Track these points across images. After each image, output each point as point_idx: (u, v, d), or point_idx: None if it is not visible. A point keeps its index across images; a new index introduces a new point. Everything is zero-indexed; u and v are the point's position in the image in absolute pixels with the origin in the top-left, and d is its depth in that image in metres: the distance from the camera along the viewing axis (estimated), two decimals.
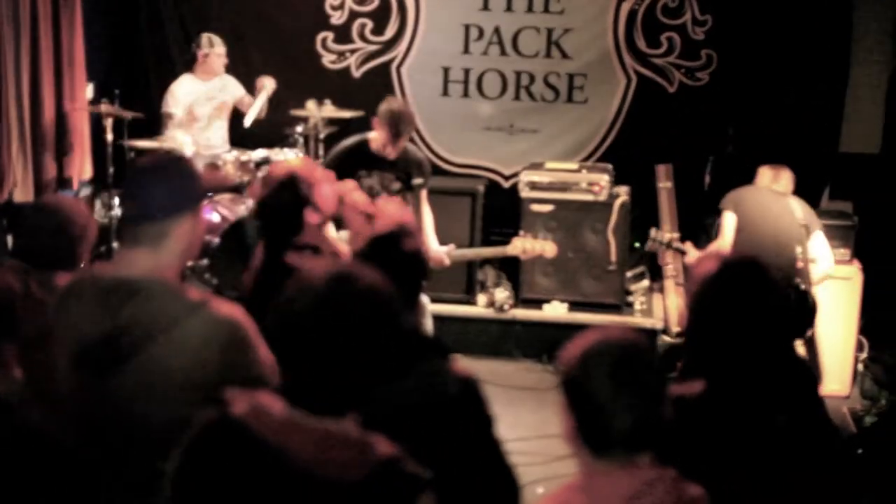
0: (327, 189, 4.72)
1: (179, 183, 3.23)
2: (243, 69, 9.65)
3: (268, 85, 9.11)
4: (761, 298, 3.27)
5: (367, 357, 2.40)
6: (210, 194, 3.37)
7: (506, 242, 7.26)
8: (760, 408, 3.18)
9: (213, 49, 9.12)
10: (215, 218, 8.43)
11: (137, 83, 9.97)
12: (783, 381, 3.25)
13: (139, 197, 3.19)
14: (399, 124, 6.86)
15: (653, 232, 7.53)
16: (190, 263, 8.28)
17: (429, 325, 6.89)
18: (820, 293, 7.53)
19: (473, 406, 3.34)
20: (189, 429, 2.49)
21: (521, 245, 7.08)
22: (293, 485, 2.29)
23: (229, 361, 3.06)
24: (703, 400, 3.18)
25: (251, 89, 9.22)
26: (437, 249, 6.94)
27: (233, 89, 9.35)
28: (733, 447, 3.12)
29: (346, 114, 9.06)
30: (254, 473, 2.31)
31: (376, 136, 6.99)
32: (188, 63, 9.41)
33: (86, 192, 9.47)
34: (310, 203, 4.59)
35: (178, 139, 8.53)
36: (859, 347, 8.17)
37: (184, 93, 9.10)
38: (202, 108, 9.14)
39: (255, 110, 9.03)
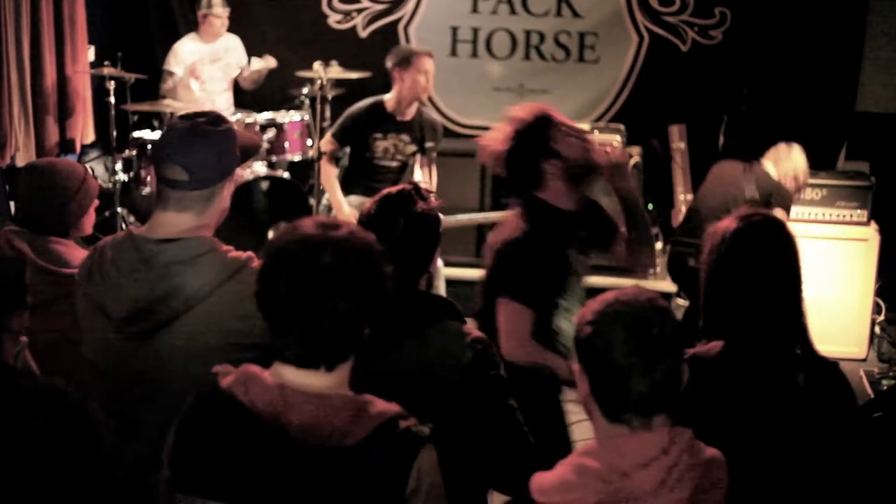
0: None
1: (225, 147, 3.22)
2: (249, 30, 9.55)
3: (269, 61, 9.09)
4: (781, 255, 3.21)
5: (353, 304, 2.33)
6: (245, 159, 3.33)
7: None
8: (781, 367, 3.12)
9: (212, 10, 9.03)
10: None
11: (140, 45, 9.86)
12: (799, 339, 3.18)
13: (188, 164, 3.15)
14: (411, 60, 6.96)
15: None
16: None
17: (442, 288, 6.82)
18: (836, 254, 7.43)
19: (488, 371, 3.28)
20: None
21: None
22: (290, 453, 2.26)
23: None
24: (723, 360, 3.13)
25: (256, 53, 9.14)
26: None
27: (237, 54, 9.26)
28: (754, 407, 3.08)
29: (353, 75, 8.98)
30: (250, 445, 2.28)
31: (391, 97, 6.90)
32: (192, 24, 9.33)
33: (94, 154, 9.40)
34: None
35: (182, 99, 8.45)
36: (876, 310, 8.07)
37: (187, 52, 9.05)
38: (207, 68, 9.07)
39: (248, 72, 9.08)
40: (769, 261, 3.18)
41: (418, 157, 7.23)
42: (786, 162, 6.98)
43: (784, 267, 3.20)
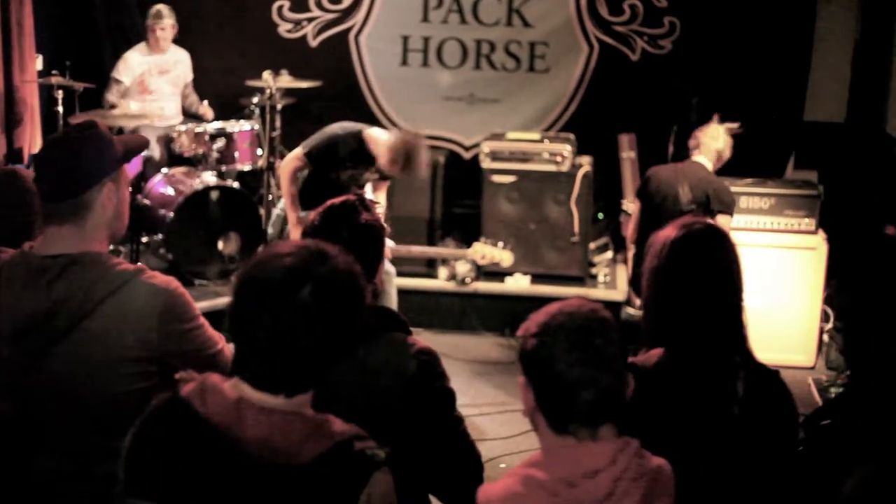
0: None
1: (90, 153, 3.15)
2: (199, 39, 9.49)
3: (207, 114, 9.19)
4: (721, 264, 3.22)
5: (327, 342, 2.33)
6: (125, 160, 3.26)
7: (467, 217, 7.17)
8: (720, 375, 3.13)
9: (159, 21, 9.01)
10: (169, 192, 8.30)
11: (88, 55, 9.77)
12: (739, 348, 3.19)
13: (52, 175, 3.13)
14: (412, 162, 6.61)
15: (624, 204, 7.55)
16: (145, 239, 8.17)
17: (394, 296, 6.79)
18: (784, 263, 7.46)
19: (433, 382, 3.29)
20: (132, 404, 2.50)
21: (481, 250, 6.99)
22: (244, 467, 2.24)
23: (166, 331, 3.06)
24: (661, 368, 3.14)
25: (207, 63, 9.10)
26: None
27: (185, 68, 9.24)
28: (693, 416, 3.08)
29: (303, 84, 8.93)
30: (203, 456, 2.26)
31: (377, 149, 6.68)
32: (141, 35, 9.26)
33: None
34: None
35: (131, 109, 8.40)
36: (824, 318, 8.12)
37: (136, 63, 9.03)
38: (155, 80, 9.04)
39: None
40: (709, 270, 3.18)
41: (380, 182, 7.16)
42: (718, 141, 7.12)
43: (724, 276, 3.20)
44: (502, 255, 6.98)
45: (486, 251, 7.00)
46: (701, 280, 3.17)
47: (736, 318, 3.20)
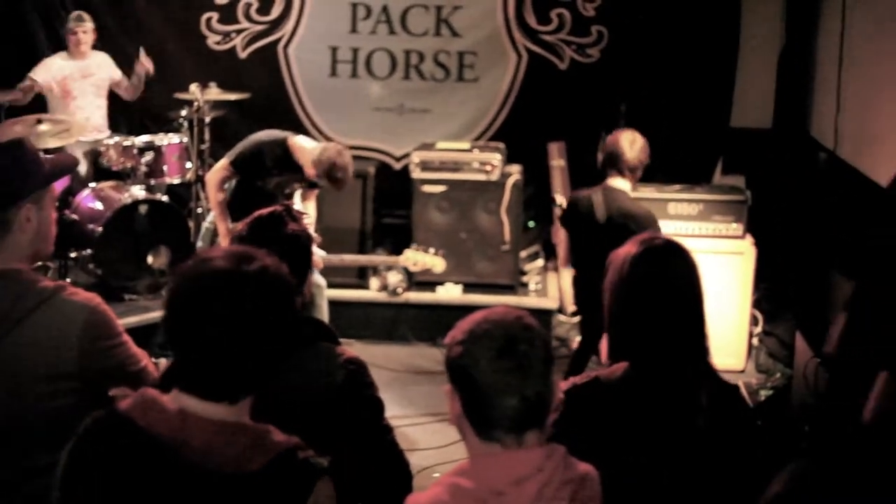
0: None
1: (11, 171, 3.11)
2: (125, 50, 9.40)
3: (147, 66, 8.93)
4: (682, 278, 3.26)
5: (266, 342, 2.35)
6: (52, 179, 3.22)
7: (398, 227, 7.15)
8: (684, 388, 3.16)
9: (81, 24, 8.93)
10: (97, 206, 8.22)
11: (14, 65, 9.61)
12: (702, 360, 3.24)
13: None
14: (339, 184, 6.60)
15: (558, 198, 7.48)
16: (73, 254, 8.08)
17: (325, 307, 6.77)
18: (713, 268, 7.51)
19: (361, 391, 3.32)
20: (55, 422, 2.55)
21: (413, 257, 7.00)
22: (187, 479, 2.26)
23: (87, 349, 3.04)
24: (626, 382, 3.15)
25: (129, 72, 9.01)
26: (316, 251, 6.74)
27: (108, 69, 9.12)
28: (658, 428, 3.10)
29: (232, 96, 8.91)
30: (144, 469, 2.26)
31: (302, 158, 6.63)
32: (63, 44, 9.17)
33: None
34: None
35: (64, 118, 8.31)
36: (753, 322, 8.20)
37: (56, 67, 8.92)
38: (78, 84, 8.93)
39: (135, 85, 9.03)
40: (670, 284, 3.22)
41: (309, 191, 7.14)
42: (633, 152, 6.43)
43: (685, 289, 3.25)
44: (434, 262, 6.98)
45: (418, 258, 7.00)
46: (662, 294, 3.21)
47: (698, 331, 3.25)
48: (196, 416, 2.30)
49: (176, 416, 2.29)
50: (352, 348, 3.49)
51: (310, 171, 6.55)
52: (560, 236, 6.90)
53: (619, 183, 6.47)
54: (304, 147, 6.67)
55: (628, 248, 3.28)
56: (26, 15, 9.93)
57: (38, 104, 8.79)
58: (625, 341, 3.26)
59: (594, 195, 6.47)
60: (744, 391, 7.45)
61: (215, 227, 6.93)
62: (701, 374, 3.20)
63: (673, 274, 3.24)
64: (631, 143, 6.45)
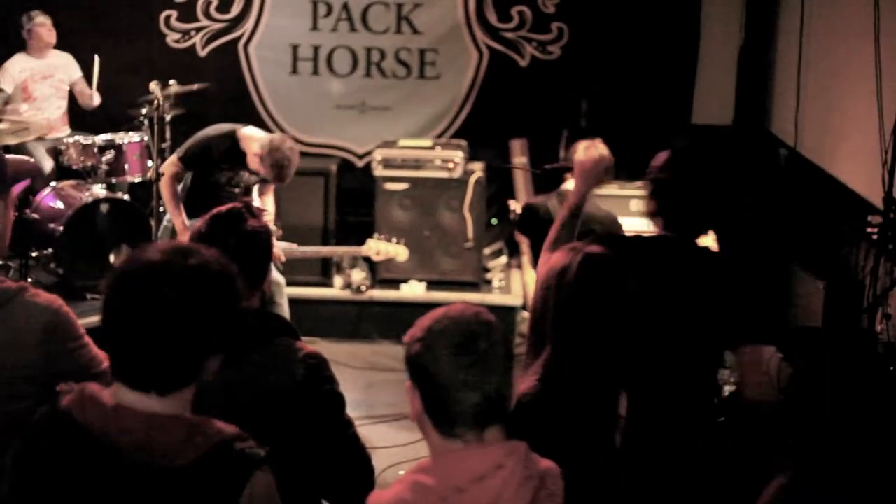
0: None
1: None
2: (84, 48, 9.33)
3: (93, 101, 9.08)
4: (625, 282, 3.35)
5: (195, 335, 2.35)
6: (14, 182, 3.23)
7: (361, 224, 7.13)
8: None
9: (34, 20, 8.93)
10: (58, 205, 8.16)
11: None
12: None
13: None
14: (282, 173, 6.54)
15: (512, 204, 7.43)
16: (34, 254, 8.02)
17: (285, 305, 6.76)
18: None
19: (321, 386, 3.31)
20: (12, 425, 2.55)
21: (375, 247, 7.01)
22: (124, 472, 2.27)
23: (49, 351, 3.03)
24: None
25: (90, 72, 8.96)
26: (277, 244, 6.71)
27: (70, 70, 9.10)
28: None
29: (194, 86, 8.82)
30: (84, 464, 2.28)
31: (249, 147, 6.62)
32: (21, 45, 9.12)
33: None
34: None
35: (26, 117, 8.26)
36: None
37: (17, 70, 8.90)
38: (38, 86, 8.91)
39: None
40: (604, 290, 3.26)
41: (259, 184, 7.13)
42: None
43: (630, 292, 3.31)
44: (397, 250, 6.99)
45: (381, 247, 7.01)
46: (594, 301, 3.26)
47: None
48: (131, 409, 2.31)
49: (112, 410, 2.31)
50: (316, 346, 3.49)
51: (253, 160, 6.53)
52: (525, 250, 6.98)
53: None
54: (253, 137, 6.67)
55: (558, 258, 3.31)
56: None
57: None
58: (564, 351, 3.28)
59: (549, 201, 6.39)
60: None
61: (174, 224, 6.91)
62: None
63: (603, 280, 3.30)
64: (585, 149, 6.36)
